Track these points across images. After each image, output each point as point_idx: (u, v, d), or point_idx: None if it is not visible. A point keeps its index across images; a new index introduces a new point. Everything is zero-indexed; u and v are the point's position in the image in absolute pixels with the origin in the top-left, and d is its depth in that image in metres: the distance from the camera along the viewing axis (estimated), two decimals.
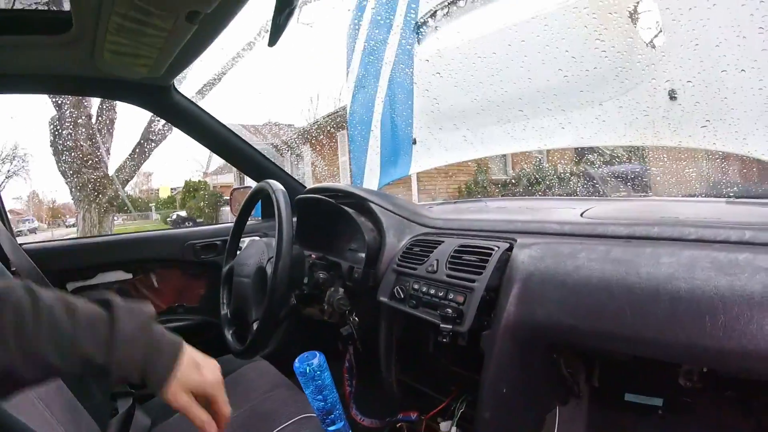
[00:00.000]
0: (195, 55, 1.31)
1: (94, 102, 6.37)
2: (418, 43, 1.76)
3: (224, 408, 0.64)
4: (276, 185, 1.18)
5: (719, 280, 0.63)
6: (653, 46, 1.22)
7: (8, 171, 11.11)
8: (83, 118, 6.21)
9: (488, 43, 1.43)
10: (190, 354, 0.62)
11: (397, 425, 1.31)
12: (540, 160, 9.49)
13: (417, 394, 1.22)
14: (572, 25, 1.29)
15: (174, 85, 1.56)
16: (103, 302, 0.57)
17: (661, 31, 1.18)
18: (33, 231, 13.87)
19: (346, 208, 1.31)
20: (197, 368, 0.62)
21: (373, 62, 1.95)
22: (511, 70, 1.40)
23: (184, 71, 1.43)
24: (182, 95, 1.61)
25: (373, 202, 1.32)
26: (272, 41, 1.06)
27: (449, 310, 0.94)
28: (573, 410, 1.00)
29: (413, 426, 1.29)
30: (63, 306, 0.53)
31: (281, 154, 11.84)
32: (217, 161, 15.53)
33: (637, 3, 1.26)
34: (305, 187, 1.77)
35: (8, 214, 1.56)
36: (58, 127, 6.12)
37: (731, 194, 1.21)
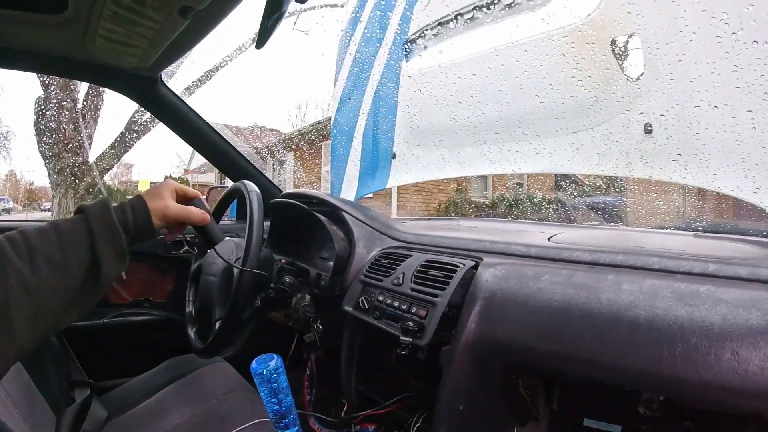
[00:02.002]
0: (184, 50, 1.32)
1: (82, 86, 6.32)
2: (406, 61, 1.79)
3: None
4: (251, 186, 1.18)
5: (679, 310, 0.64)
6: (630, 79, 1.26)
7: None
8: (69, 101, 6.12)
9: (469, 64, 1.47)
10: (149, 194, 0.74)
11: None
12: (520, 185, 9.63)
13: (376, 406, 1.22)
14: (551, 53, 1.32)
15: (161, 78, 1.57)
16: (77, 210, 0.68)
17: (638, 64, 1.22)
18: (7, 211, 13.53)
19: (319, 215, 1.31)
20: (160, 196, 0.75)
21: (361, 75, 1.97)
22: (490, 92, 1.43)
23: (173, 66, 1.46)
24: (168, 88, 1.62)
25: (346, 212, 1.34)
26: (260, 44, 1.08)
27: (410, 323, 0.94)
28: None
29: None
30: (49, 226, 0.64)
31: (263, 160, 11.76)
32: (200, 159, 15.39)
33: (616, 36, 1.30)
34: (282, 192, 1.77)
35: None
36: (43, 108, 6.01)
37: (700, 228, 1.23)
